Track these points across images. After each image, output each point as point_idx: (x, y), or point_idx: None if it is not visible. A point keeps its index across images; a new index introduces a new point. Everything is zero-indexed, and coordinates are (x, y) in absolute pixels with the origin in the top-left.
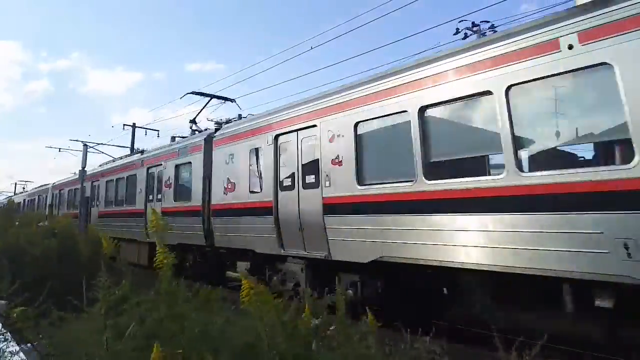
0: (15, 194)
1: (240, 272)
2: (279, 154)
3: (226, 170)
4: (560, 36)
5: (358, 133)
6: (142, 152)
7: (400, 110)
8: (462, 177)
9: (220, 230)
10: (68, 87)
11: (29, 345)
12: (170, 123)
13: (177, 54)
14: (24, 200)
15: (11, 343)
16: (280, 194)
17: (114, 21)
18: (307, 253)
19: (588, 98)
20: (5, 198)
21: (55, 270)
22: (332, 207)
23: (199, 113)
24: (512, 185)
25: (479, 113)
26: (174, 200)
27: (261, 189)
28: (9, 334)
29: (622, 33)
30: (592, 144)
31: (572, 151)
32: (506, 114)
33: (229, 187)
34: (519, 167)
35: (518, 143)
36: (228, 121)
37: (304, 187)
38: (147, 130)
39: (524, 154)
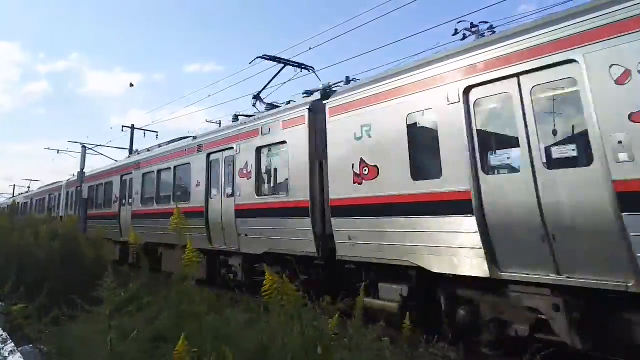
0: (13, 195)
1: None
2: (475, 117)
3: (356, 148)
4: None
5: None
6: (194, 137)
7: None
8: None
9: (347, 236)
10: (67, 88)
11: (29, 345)
12: (168, 125)
13: (176, 54)
14: (31, 199)
15: (9, 344)
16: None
17: (112, 22)
18: None
19: None
20: (8, 199)
21: (59, 272)
22: None
23: (267, 84)
24: None
25: None
26: (256, 195)
27: (441, 173)
28: (6, 334)
29: None
30: None
31: None
32: None
33: (365, 173)
34: None
35: None
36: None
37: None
38: (146, 131)
39: None
